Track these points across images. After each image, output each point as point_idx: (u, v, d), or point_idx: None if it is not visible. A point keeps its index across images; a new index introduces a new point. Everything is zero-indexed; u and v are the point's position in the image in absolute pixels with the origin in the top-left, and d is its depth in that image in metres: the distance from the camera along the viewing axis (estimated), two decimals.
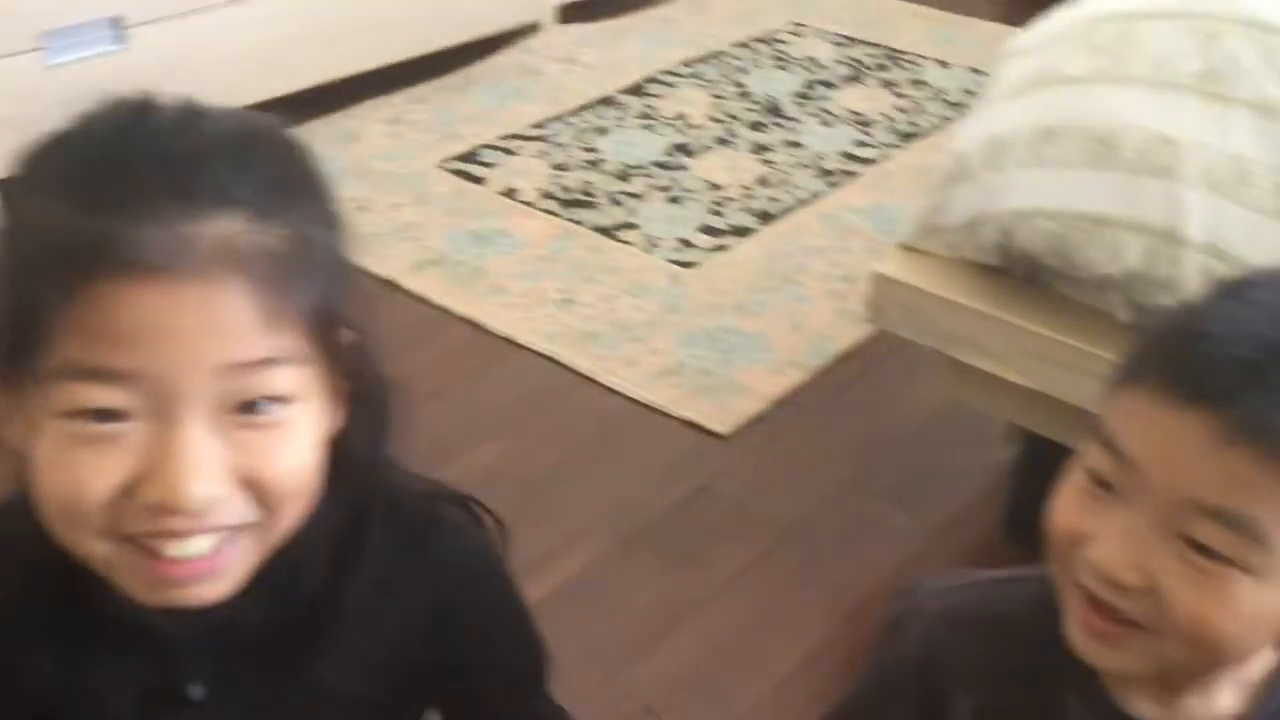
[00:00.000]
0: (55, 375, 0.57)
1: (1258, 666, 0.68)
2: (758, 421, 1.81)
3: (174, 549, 0.59)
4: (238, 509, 0.60)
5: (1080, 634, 0.64)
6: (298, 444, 0.61)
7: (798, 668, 1.43)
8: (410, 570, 0.71)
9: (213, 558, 0.60)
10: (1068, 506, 0.64)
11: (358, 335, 0.66)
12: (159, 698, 0.69)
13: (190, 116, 0.62)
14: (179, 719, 0.69)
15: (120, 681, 0.68)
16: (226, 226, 0.57)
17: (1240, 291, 0.63)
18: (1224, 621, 0.60)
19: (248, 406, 0.59)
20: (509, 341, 1.94)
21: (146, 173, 0.57)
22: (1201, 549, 0.59)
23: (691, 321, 2.01)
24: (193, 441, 0.57)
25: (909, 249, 1.41)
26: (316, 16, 2.48)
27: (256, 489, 0.60)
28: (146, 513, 0.57)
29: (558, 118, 2.60)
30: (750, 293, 2.08)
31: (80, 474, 0.57)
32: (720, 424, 1.79)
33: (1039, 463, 1.51)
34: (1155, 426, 0.60)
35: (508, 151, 2.47)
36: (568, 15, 2.97)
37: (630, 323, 2.00)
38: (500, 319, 1.99)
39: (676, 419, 1.80)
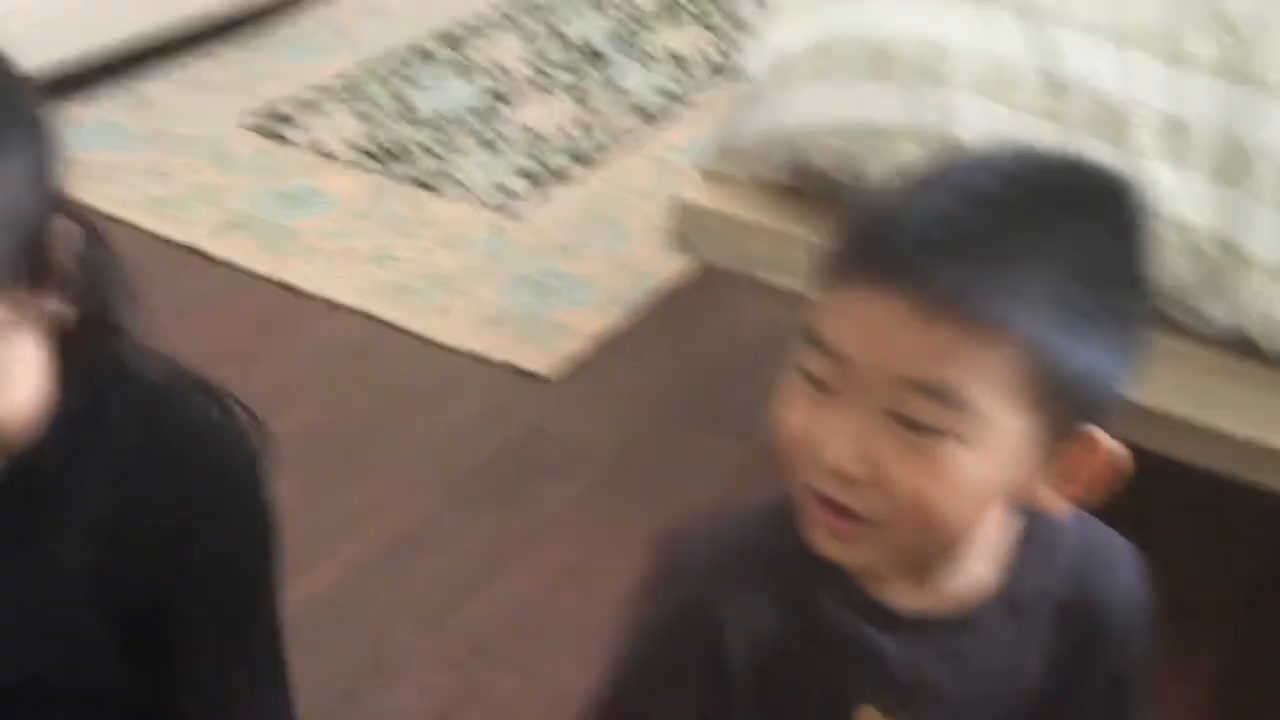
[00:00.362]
0: None
1: (1002, 535, 0.70)
2: (582, 362, 1.80)
3: None
4: None
5: (820, 536, 0.66)
6: (13, 374, 0.61)
7: (620, 598, 1.43)
8: (152, 456, 0.70)
9: None
10: (790, 415, 0.64)
11: (69, 227, 0.64)
12: None
13: None
14: None
15: None
16: None
17: (927, 178, 0.64)
18: (943, 494, 0.62)
19: None
20: (323, 300, 1.88)
21: None
22: (914, 426, 0.61)
23: (512, 269, 1.98)
24: None
25: (710, 175, 1.42)
26: None
27: None
28: None
29: (366, 70, 2.52)
30: (572, 236, 2.07)
31: None
32: (544, 367, 1.78)
33: None
34: (858, 316, 0.61)
35: (315, 107, 2.39)
36: None
37: (449, 274, 1.96)
38: (312, 278, 1.92)
39: (499, 365, 1.78)
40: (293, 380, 1.73)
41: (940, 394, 0.60)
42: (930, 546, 0.66)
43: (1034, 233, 0.61)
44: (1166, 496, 1.54)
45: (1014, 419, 0.61)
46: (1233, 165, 1.05)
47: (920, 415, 0.60)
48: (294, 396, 1.70)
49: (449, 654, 1.36)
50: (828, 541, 0.65)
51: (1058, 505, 0.66)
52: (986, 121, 1.13)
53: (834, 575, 0.69)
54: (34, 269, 0.61)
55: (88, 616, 0.71)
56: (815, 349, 0.63)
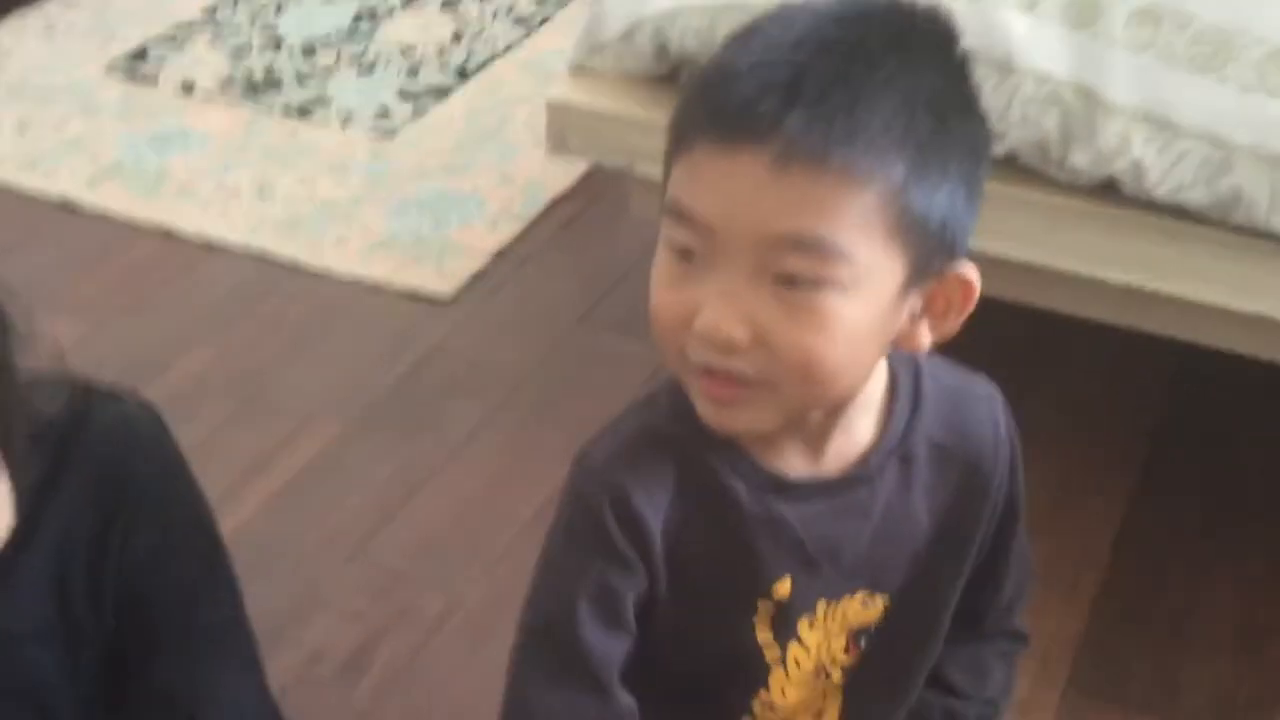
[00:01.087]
0: None
1: (877, 389, 0.71)
2: (479, 279, 1.78)
3: None
4: None
5: (707, 407, 0.65)
6: None
7: (543, 508, 1.44)
8: (62, 486, 0.69)
9: None
10: (663, 291, 0.64)
11: None
12: None
13: None
14: None
15: None
16: None
17: (756, 29, 0.63)
18: (828, 346, 0.62)
19: None
20: (205, 243, 1.84)
21: None
22: (791, 281, 0.60)
23: (399, 192, 1.94)
24: None
25: (580, 72, 1.39)
26: None
27: None
28: None
29: (228, 1, 2.43)
30: (457, 153, 2.03)
31: None
32: (441, 287, 1.76)
33: None
34: (716, 178, 0.60)
35: (178, 44, 2.30)
36: None
37: (334, 202, 1.91)
38: (192, 221, 1.87)
39: (395, 291, 1.76)
40: (186, 326, 1.69)
41: (812, 246, 0.59)
42: (821, 403, 0.66)
43: (873, 73, 0.60)
44: (1061, 350, 1.58)
45: (887, 260, 0.61)
46: (1082, 9, 1.06)
47: (795, 269, 0.60)
48: (189, 342, 1.67)
49: (372, 581, 1.36)
50: (716, 412, 0.65)
51: (926, 344, 0.67)
52: None
53: (729, 450, 0.69)
54: None
55: (53, 654, 0.71)
56: (677, 220, 0.62)
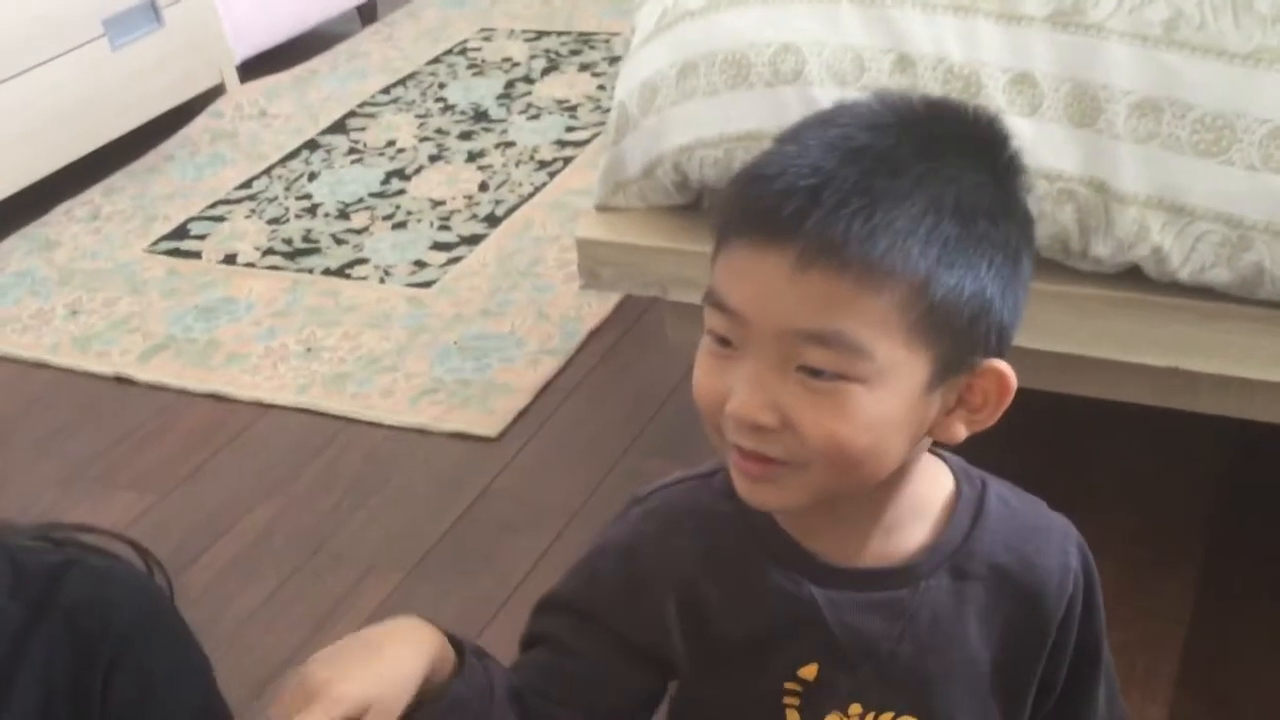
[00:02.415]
0: None
1: (936, 496, 0.73)
2: (524, 416, 1.82)
3: None
4: None
5: (741, 482, 0.68)
6: None
7: None
8: (40, 626, 0.69)
9: None
10: (703, 375, 0.67)
11: None
12: None
13: None
14: None
15: None
16: None
17: (795, 133, 0.67)
18: (852, 433, 0.64)
19: None
20: (258, 404, 1.89)
21: None
22: (814, 372, 0.64)
23: (440, 338, 2.00)
24: None
25: (607, 209, 1.45)
26: None
27: None
28: None
29: (263, 173, 2.54)
30: (492, 296, 2.09)
31: None
32: (487, 428, 1.79)
33: None
34: (746, 273, 0.64)
35: (218, 219, 2.40)
36: (250, 72, 2.91)
37: (378, 354, 1.97)
38: (243, 384, 1.93)
39: (443, 434, 1.80)
40: (245, 487, 1.73)
41: (832, 341, 0.63)
42: (854, 485, 0.68)
43: (897, 179, 0.63)
44: (1110, 438, 1.59)
45: (910, 356, 0.64)
46: (1083, 108, 1.10)
47: (818, 363, 0.63)
48: (249, 502, 1.71)
49: None
50: (749, 488, 0.68)
51: (960, 435, 0.69)
52: None
53: (770, 532, 0.72)
54: None
55: None
56: (716, 309, 0.66)
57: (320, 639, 1.49)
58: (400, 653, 0.69)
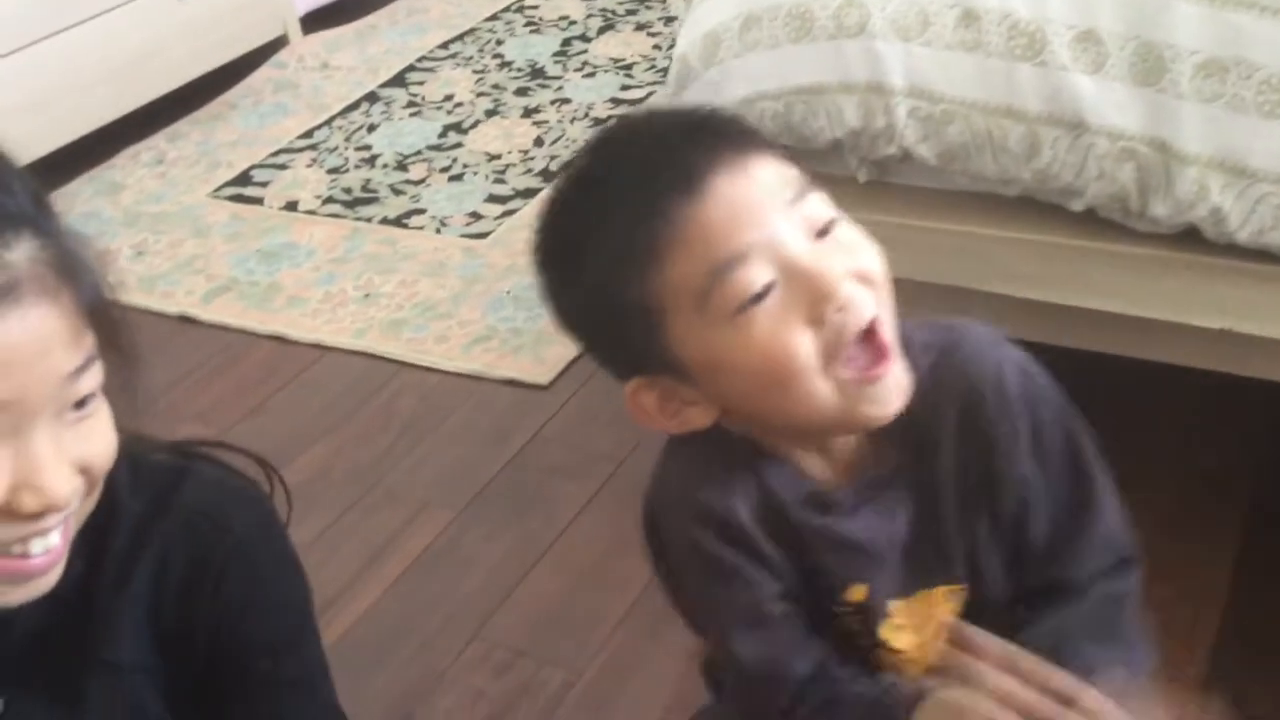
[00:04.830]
0: None
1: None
2: (575, 365, 1.85)
3: (39, 545, 0.64)
4: (78, 495, 0.65)
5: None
6: (108, 424, 0.67)
7: (651, 580, 1.48)
8: (159, 528, 0.73)
9: (60, 546, 0.66)
10: (759, 340, 0.68)
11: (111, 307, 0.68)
12: None
13: None
14: None
15: None
16: (24, 250, 0.61)
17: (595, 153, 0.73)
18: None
19: (79, 404, 0.64)
20: (317, 346, 1.94)
21: None
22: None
23: (494, 288, 2.03)
24: (50, 447, 0.63)
25: None
26: (63, 71, 2.40)
27: (88, 473, 0.65)
28: (21, 521, 0.63)
29: (324, 124, 2.58)
30: None
31: None
32: (538, 376, 1.83)
33: None
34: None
35: (280, 167, 2.44)
36: (313, 24, 2.94)
37: (434, 302, 2.01)
38: (304, 327, 1.98)
39: (496, 380, 1.83)
40: (303, 425, 1.78)
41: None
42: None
43: None
44: (1159, 398, 1.60)
45: None
46: (1148, 67, 1.10)
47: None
48: (307, 440, 1.75)
49: (493, 659, 1.41)
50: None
51: None
52: (909, 62, 1.19)
53: (776, 472, 0.74)
54: (102, 329, 0.66)
55: (153, 687, 0.74)
56: (726, 277, 0.67)
57: (374, 572, 1.54)
58: None
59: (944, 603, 0.76)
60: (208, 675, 0.76)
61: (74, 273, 0.63)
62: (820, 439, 0.74)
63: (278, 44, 2.84)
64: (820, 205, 0.69)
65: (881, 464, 0.75)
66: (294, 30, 2.88)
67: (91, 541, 0.70)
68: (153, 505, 0.73)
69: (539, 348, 1.88)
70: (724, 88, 1.28)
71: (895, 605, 0.76)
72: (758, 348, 0.67)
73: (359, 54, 2.85)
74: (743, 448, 0.74)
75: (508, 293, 2.01)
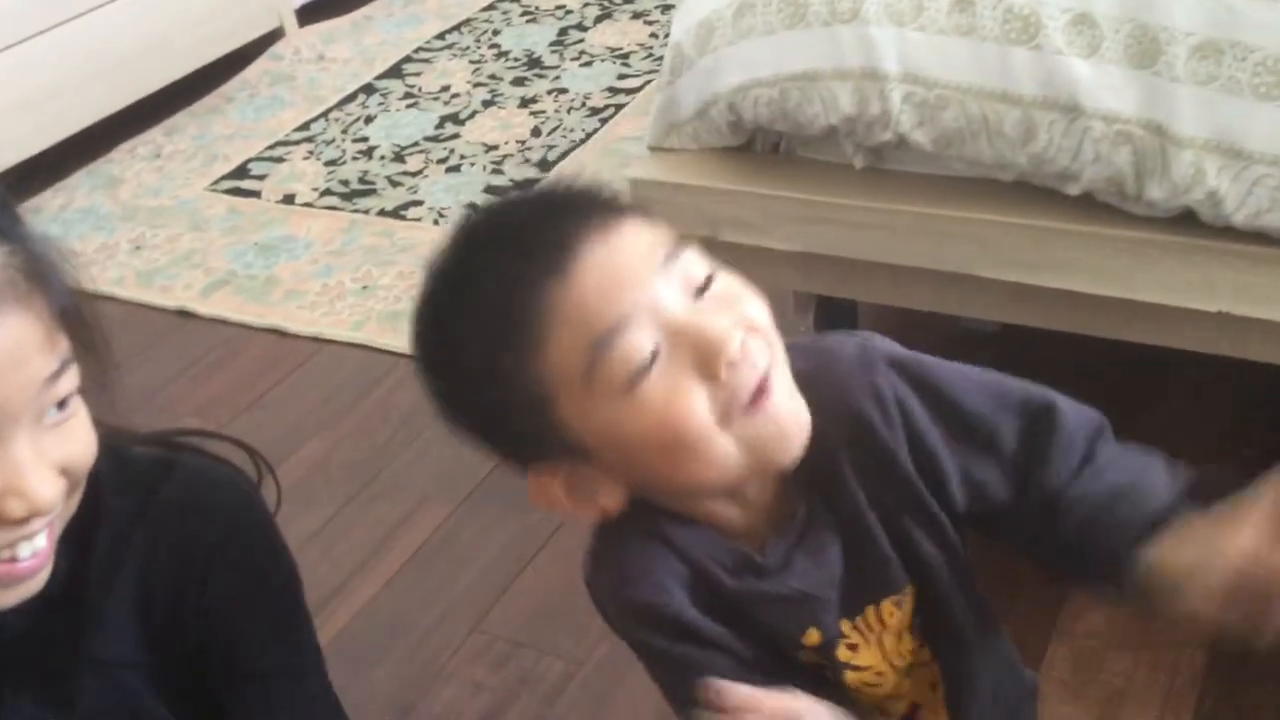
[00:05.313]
0: None
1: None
2: None
3: (27, 549, 0.65)
4: (62, 497, 0.66)
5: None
6: (87, 424, 0.67)
7: None
8: (143, 518, 0.73)
9: (47, 548, 0.66)
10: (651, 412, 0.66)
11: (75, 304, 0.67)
12: None
13: None
14: None
15: None
16: None
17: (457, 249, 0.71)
18: None
19: (58, 407, 0.64)
20: (315, 339, 1.94)
21: None
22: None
23: None
24: (31, 452, 0.63)
25: (660, 151, 1.46)
26: (59, 66, 2.40)
27: (70, 474, 0.66)
28: (7, 527, 0.63)
29: (321, 116, 2.57)
30: None
31: None
32: None
33: (838, 316, 1.59)
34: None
35: (277, 160, 2.44)
36: (308, 16, 2.93)
37: None
38: (301, 320, 1.97)
39: None
40: (302, 419, 1.78)
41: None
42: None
43: None
44: (1157, 383, 1.59)
45: None
46: (1143, 49, 1.10)
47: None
48: (304, 434, 1.75)
49: (492, 651, 1.41)
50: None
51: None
52: (903, 48, 1.18)
53: (698, 540, 0.73)
54: (74, 329, 0.66)
55: (146, 684, 0.74)
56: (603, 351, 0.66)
57: (373, 566, 1.54)
58: None
59: (892, 613, 0.76)
60: (201, 667, 0.76)
61: (44, 277, 0.63)
62: (732, 493, 0.72)
63: (273, 36, 2.84)
64: (696, 262, 0.67)
65: (796, 502, 0.74)
66: (290, 22, 2.87)
67: (77, 540, 0.70)
68: (138, 501, 0.73)
69: None
70: (718, 75, 1.27)
71: (845, 625, 0.75)
72: (653, 416, 0.66)
73: (355, 45, 2.84)
74: (659, 521, 0.72)
75: None
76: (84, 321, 0.66)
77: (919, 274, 1.30)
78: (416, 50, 2.80)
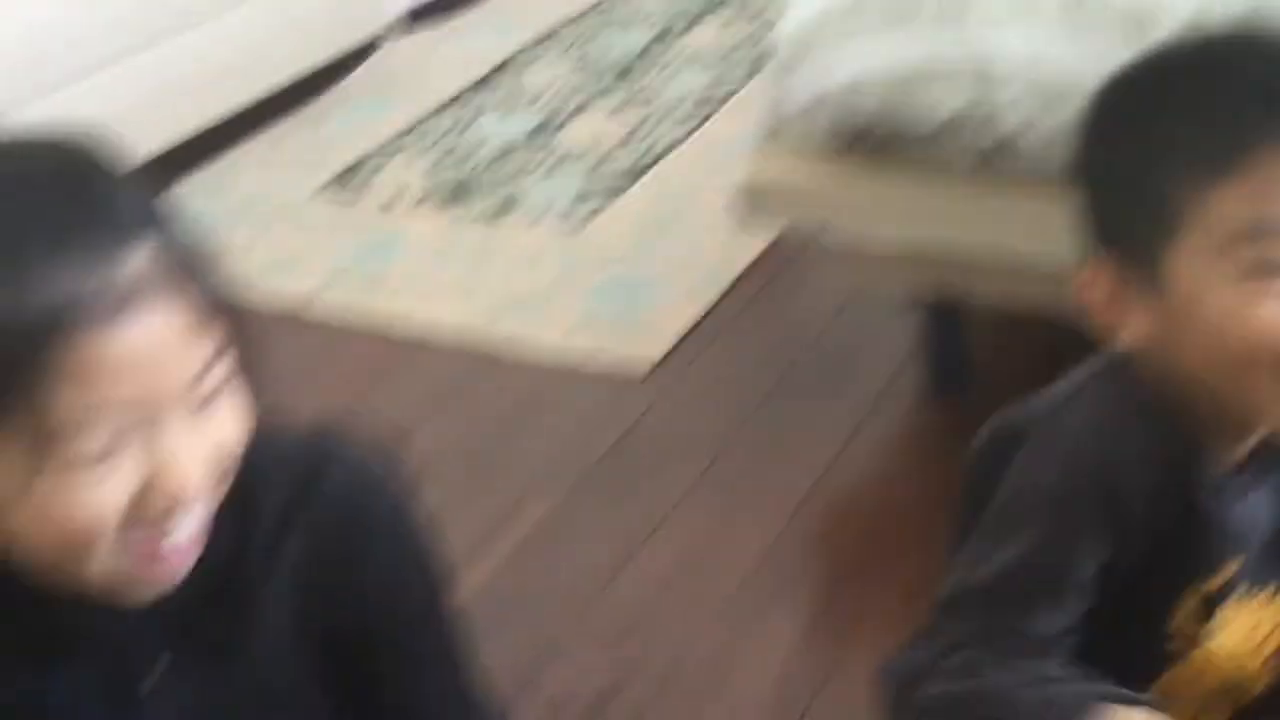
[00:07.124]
0: (52, 431, 0.61)
1: None
2: (671, 356, 1.88)
3: (176, 535, 0.66)
4: (212, 484, 0.68)
5: None
6: (239, 412, 0.69)
7: (757, 564, 1.51)
8: (305, 514, 0.74)
9: (197, 533, 0.68)
10: (1265, 312, 0.64)
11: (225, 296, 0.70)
12: (115, 700, 0.72)
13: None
14: (135, 717, 0.72)
15: (77, 691, 0.71)
16: (145, 255, 0.63)
17: (1220, 37, 0.71)
18: None
19: (210, 395, 0.66)
20: (420, 339, 1.99)
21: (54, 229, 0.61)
22: None
23: (589, 280, 2.07)
24: (182, 441, 0.64)
25: (765, 152, 1.49)
26: (173, 72, 2.49)
27: (221, 461, 0.67)
28: (156, 516, 0.65)
29: (423, 120, 2.64)
30: (640, 241, 2.15)
31: (87, 509, 0.63)
32: (637, 366, 1.86)
33: (944, 317, 1.59)
34: None
35: (380, 163, 2.51)
36: (412, 22, 3.01)
37: (532, 293, 2.05)
38: (405, 321, 2.03)
39: (594, 371, 1.87)
40: (408, 416, 1.83)
41: None
42: None
43: None
44: None
45: None
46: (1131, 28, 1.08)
47: None
48: (413, 430, 1.80)
49: (603, 635, 1.44)
50: None
51: None
52: (1014, 46, 1.19)
53: (1194, 460, 0.71)
54: (224, 318, 0.68)
55: (305, 688, 0.76)
56: (1259, 238, 0.63)
57: (486, 550, 1.58)
58: None
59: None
60: (354, 656, 0.77)
61: (194, 270, 0.65)
62: (1240, 430, 0.71)
63: (377, 42, 2.91)
64: None
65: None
66: (394, 28, 2.95)
67: (235, 526, 0.71)
68: (297, 489, 0.74)
69: (636, 339, 1.91)
70: (824, 76, 1.30)
71: (1243, 586, 0.73)
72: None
73: (455, 51, 2.91)
74: (1176, 421, 0.70)
75: (604, 285, 2.05)
76: (234, 311, 0.69)
77: (1031, 272, 1.30)
78: (516, 55, 2.86)
